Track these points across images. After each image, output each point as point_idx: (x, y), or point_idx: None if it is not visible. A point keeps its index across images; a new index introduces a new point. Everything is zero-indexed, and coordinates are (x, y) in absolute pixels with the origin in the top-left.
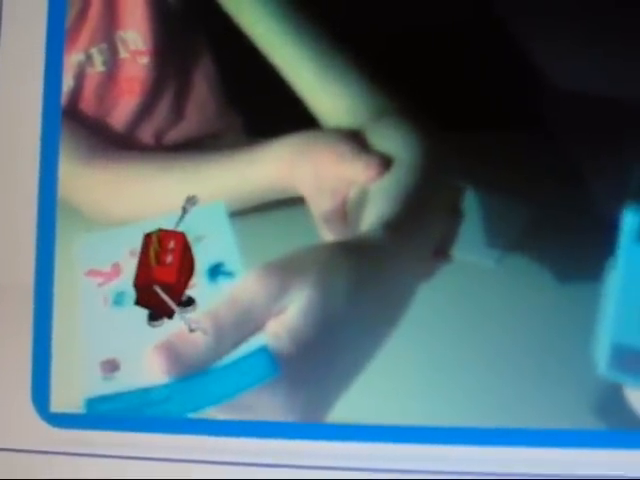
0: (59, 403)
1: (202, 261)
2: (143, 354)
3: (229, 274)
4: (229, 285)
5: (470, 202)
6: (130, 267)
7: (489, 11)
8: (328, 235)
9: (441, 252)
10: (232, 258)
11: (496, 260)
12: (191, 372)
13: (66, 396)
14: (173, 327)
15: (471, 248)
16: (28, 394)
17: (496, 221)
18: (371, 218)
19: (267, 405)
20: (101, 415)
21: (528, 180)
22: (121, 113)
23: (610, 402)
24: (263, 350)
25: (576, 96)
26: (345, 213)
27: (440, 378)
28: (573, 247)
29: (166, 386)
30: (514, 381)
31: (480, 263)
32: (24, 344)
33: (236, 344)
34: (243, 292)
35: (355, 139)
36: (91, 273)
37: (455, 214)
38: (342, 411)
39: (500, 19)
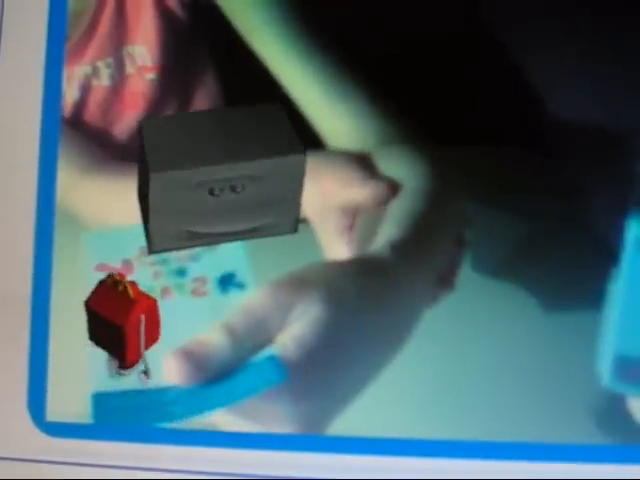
0: (55, 412)
1: (214, 268)
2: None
3: (240, 286)
4: (241, 297)
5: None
6: (142, 265)
7: (496, 39)
8: (333, 256)
9: (445, 281)
10: (243, 269)
11: (493, 273)
12: (207, 379)
13: (62, 405)
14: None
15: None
16: (24, 403)
17: (493, 235)
18: (379, 241)
19: (270, 414)
20: (99, 423)
21: (526, 196)
22: (124, 126)
23: (613, 415)
24: (271, 357)
25: (576, 112)
26: (352, 236)
27: (441, 391)
28: (570, 263)
29: (174, 389)
30: (516, 395)
31: (478, 276)
32: (21, 352)
33: (251, 353)
34: (256, 305)
35: (363, 163)
36: (100, 267)
37: (459, 244)
38: (341, 424)
39: (505, 44)
